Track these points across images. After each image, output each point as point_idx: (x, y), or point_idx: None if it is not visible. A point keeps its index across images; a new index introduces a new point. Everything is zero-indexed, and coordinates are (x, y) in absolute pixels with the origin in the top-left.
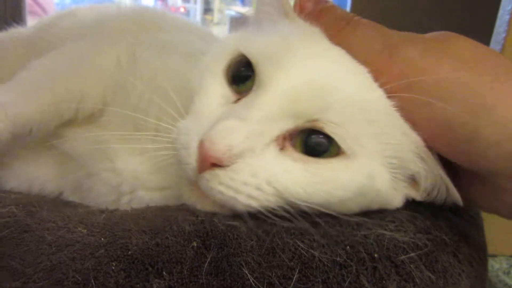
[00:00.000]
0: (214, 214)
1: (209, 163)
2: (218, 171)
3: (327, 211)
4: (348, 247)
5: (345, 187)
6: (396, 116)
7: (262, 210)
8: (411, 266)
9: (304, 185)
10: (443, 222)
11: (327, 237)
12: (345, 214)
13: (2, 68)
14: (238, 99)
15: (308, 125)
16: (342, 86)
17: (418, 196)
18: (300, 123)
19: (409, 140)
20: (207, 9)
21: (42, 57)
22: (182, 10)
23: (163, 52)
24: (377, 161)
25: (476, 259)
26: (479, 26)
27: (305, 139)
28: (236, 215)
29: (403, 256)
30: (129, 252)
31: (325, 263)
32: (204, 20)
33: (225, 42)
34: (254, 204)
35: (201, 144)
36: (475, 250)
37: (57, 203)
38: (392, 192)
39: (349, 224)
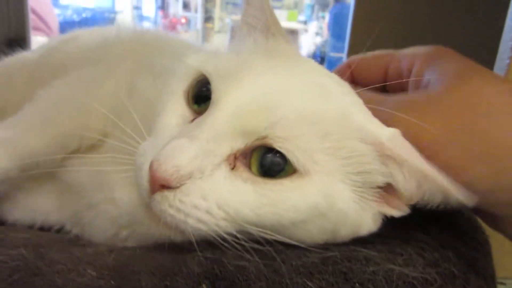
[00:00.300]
0: (223, 253)
1: (158, 184)
2: (168, 193)
3: (287, 240)
4: (357, 284)
5: (295, 208)
6: (357, 126)
7: (213, 235)
8: None
9: (253, 207)
10: (451, 252)
11: (336, 274)
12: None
13: (11, 93)
14: (194, 118)
15: (258, 142)
16: (290, 101)
17: (397, 211)
18: (250, 141)
19: (371, 149)
20: (208, 18)
21: (46, 87)
22: (183, 21)
23: (157, 79)
24: (336, 178)
25: None
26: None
27: (261, 158)
28: (244, 256)
29: None
30: None
31: None
32: (205, 29)
33: (188, 63)
34: (204, 228)
35: (150, 165)
36: (484, 279)
37: (66, 243)
38: (360, 212)
39: (358, 259)
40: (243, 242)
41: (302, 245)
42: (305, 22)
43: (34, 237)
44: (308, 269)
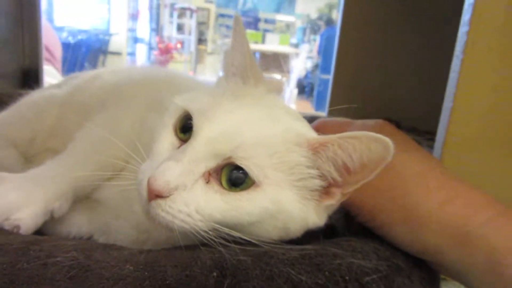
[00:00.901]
0: (226, 251)
1: (154, 194)
2: (161, 201)
3: (247, 237)
4: (327, 272)
5: (249, 212)
6: (294, 133)
7: (193, 232)
8: (373, 285)
9: (220, 211)
10: (400, 252)
11: (311, 265)
12: (272, 243)
13: (41, 126)
14: (181, 145)
15: (225, 162)
16: (247, 131)
17: (335, 200)
18: (219, 161)
19: (306, 153)
20: (201, 40)
21: (81, 129)
22: (178, 46)
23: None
24: (282, 186)
25: (427, 280)
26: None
27: (229, 173)
28: (241, 253)
29: (367, 278)
30: (167, 282)
31: (310, 285)
32: (198, 50)
33: (177, 102)
34: (187, 227)
35: (148, 181)
36: (427, 273)
37: (105, 247)
38: (304, 210)
39: (328, 255)
40: (214, 238)
41: (261, 243)
42: (296, 45)
43: (78, 243)
44: (291, 261)
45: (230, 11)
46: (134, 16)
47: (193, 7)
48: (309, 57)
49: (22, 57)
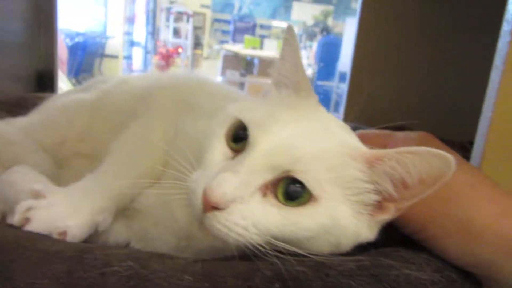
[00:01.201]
0: (282, 262)
1: (210, 206)
2: (217, 213)
3: (299, 251)
4: (386, 284)
5: (306, 228)
6: (349, 146)
7: (248, 245)
8: None
9: (277, 225)
10: (451, 264)
11: (369, 276)
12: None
13: (70, 131)
14: (235, 156)
15: (283, 175)
16: (306, 144)
17: (389, 215)
18: (277, 174)
19: (362, 167)
20: (197, 44)
21: (116, 141)
22: (180, 50)
23: (198, 119)
24: (339, 201)
25: None
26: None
27: (286, 187)
28: (298, 264)
29: None
30: None
31: None
32: (194, 55)
33: (227, 111)
34: (242, 240)
35: (204, 191)
36: (476, 285)
37: (158, 256)
38: (357, 225)
39: (383, 266)
40: (268, 251)
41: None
42: None
43: (130, 252)
44: (350, 273)
45: (225, 16)
46: (130, 20)
47: (190, 11)
48: (309, 65)
49: (38, 61)
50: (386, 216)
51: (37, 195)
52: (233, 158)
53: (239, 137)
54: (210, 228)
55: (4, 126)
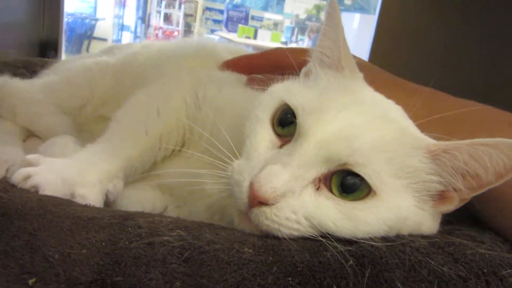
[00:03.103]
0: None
1: (257, 201)
2: (265, 209)
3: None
4: (464, 263)
5: (366, 222)
6: (411, 137)
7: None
8: (510, 279)
9: (333, 219)
10: None
11: (445, 254)
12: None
13: (92, 95)
14: (282, 145)
15: (339, 168)
16: (364, 134)
17: (453, 206)
18: (332, 167)
19: (424, 158)
20: (187, 32)
21: (124, 106)
22: (176, 34)
23: (223, 88)
24: (400, 192)
25: None
26: None
27: (342, 179)
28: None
29: (504, 272)
30: (298, 269)
31: (453, 277)
32: None
33: (272, 93)
34: (295, 233)
35: (251, 185)
36: None
37: (208, 225)
38: (420, 214)
39: (455, 244)
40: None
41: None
42: (285, 44)
43: (176, 220)
44: (425, 250)
45: (217, 5)
46: (121, 3)
47: None
48: None
49: (41, 29)
50: (449, 207)
51: (30, 164)
52: (280, 146)
53: (286, 121)
54: (258, 224)
55: (22, 84)
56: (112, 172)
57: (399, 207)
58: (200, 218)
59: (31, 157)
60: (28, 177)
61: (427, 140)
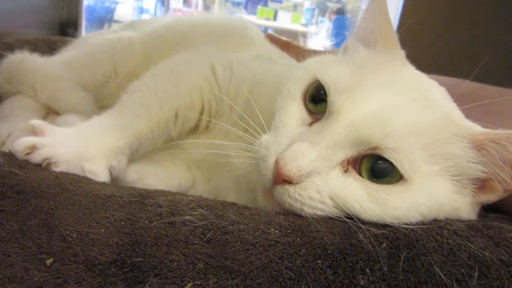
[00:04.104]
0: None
1: (282, 179)
2: (289, 187)
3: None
4: (505, 247)
5: (395, 206)
6: (454, 124)
7: (326, 215)
8: None
9: (360, 201)
10: None
11: (485, 237)
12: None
13: (116, 72)
14: (313, 122)
15: (369, 151)
16: (399, 117)
17: (495, 196)
18: (362, 150)
19: (466, 146)
20: None
21: (140, 77)
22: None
23: (259, 60)
24: (436, 178)
25: None
26: None
27: (372, 163)
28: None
29: None
30: (329, 251)
31: (495, 262)
32: None
33: (305, 67)
34: (319, 213)
35: (276, 162)
36: None
37: (231, 205)
38: (458, 200)
39: (494, 227)
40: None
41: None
42: (305, 25)
43: (198, 199)
44: (464, 233)
45: None
46: None
47: None
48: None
49: (61, 10)
50: (491, 197)
51: (35, 132)
52: (311, 123)
53: (319, 98)
54: (281, 201)
55: (42, 61)
56: (117, 147)
57: (433, 194)
58: (226, 190)
59: (35, 122)
60: (33, 147)
61: (472, 128)
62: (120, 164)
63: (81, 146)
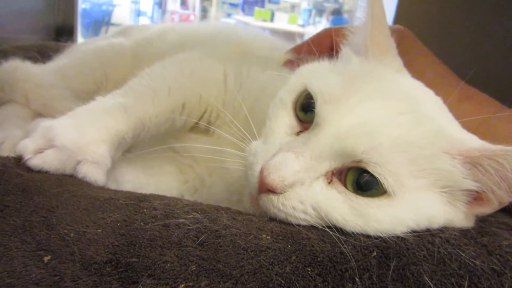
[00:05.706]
0: None
1: (265, 188)
2: (273, 196)
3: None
4: (498, 256)
5: (378, 220)
6: (441, 155)
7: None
8: None
9: (342, 213)
10: None
11: (478, 246)
12: None
13: (107, 78)
14: (302, 131)
15: (353, 164)
16: (385, 130)
17: (490, 209)
18: (346, 162)
19: (457, 162)
20: (204, 16)
21: (151, 66)
22: (192, 18)
23: (260, 73)
24: (423, 191)
25: None
26: None
27: (357, 175)
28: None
29: None
30: (319, 259)
31: (487, 271)
32: None
33: (299, 75)
34: (303, 223)
35: (261, 171)
36: None
37: (224, 209)
38: (451, 212)
39: (489, 234)
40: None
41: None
42: (302, 26)
43: (192, 203)
44: (456, 241)
45: None
46: None
47: None
48: None
49: (57, 15)
50: (486, 210)
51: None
52: (299, 132)
53: (309, 107)
54: (266, 210)
55: (34, 69)
56: (119, 130)
57: (421, 207)
58: (218, 199)
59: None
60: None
61: (468, 143)
62: (115, 155)
63: (75, 135)
